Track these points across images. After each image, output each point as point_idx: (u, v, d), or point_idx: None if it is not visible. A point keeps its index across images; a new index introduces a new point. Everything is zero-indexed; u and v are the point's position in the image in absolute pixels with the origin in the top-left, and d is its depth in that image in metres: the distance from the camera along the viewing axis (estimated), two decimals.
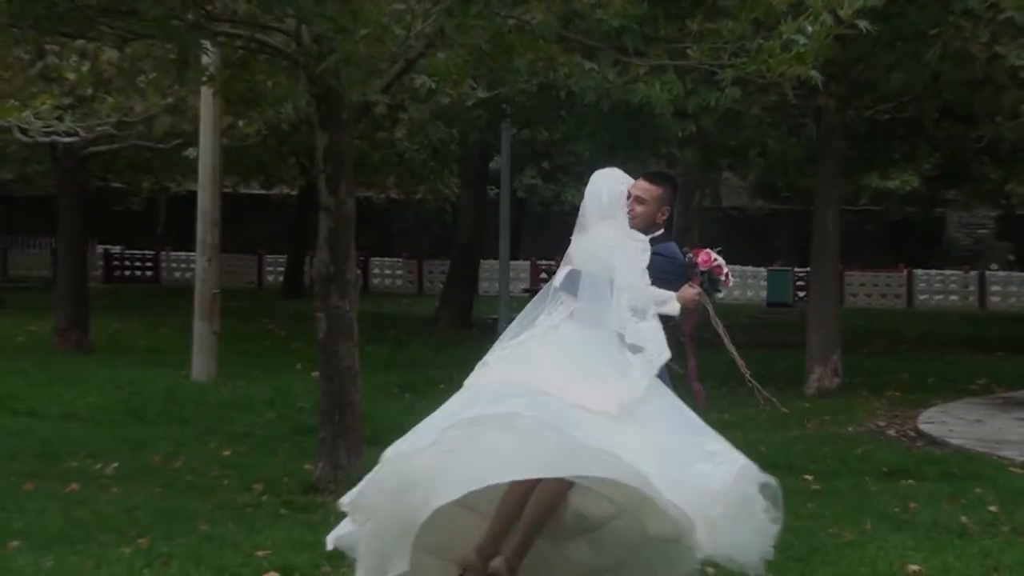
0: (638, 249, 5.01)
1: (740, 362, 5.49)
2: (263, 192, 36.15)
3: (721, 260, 5.45)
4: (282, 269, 32.99)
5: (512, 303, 21.40)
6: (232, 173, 26.98)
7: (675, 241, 5.62)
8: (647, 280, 4.94)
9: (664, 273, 5.18)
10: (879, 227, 38.60)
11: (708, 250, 5.45)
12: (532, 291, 31.69)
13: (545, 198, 37.95)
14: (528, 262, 34.31)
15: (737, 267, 32.54)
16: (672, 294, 5.21)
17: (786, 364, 16.17)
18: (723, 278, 5.44)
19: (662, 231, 5.52)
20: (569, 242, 5.21)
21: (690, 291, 5.33)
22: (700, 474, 4.35)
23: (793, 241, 39.09)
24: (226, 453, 9.29)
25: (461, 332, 21.29)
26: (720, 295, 5.44)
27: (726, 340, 5.42)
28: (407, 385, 13.40)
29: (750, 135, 15.49)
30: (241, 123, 15.32)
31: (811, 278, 14.53)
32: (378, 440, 10.11)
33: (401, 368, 14.94)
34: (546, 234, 41.98)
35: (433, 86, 7.91)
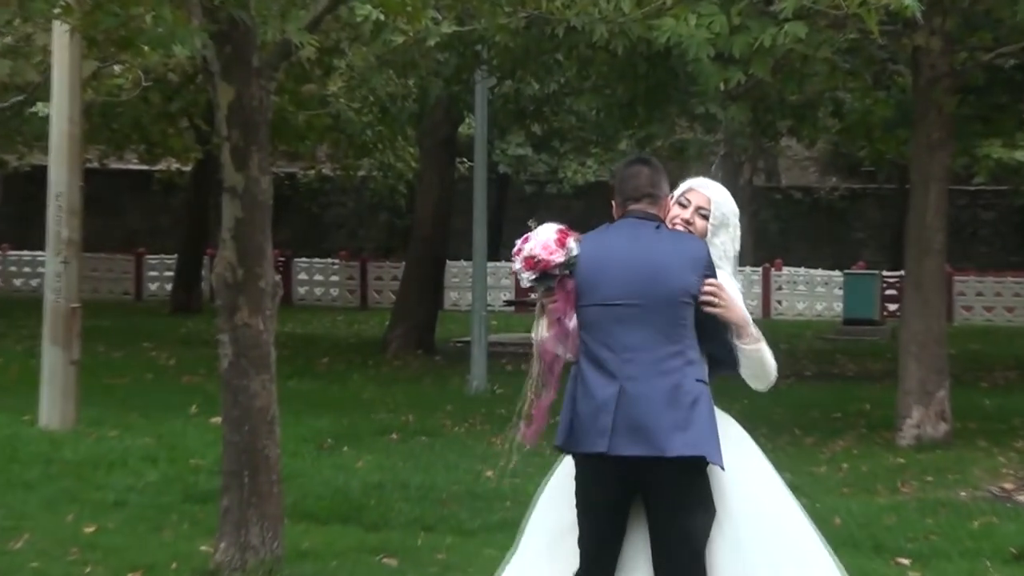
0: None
1: (529, 398, 5.85)
2: (143, 168, 36.10)
3: (526, 244, 5.81)
4: (170, 274, 32.98)
5: (490, 321, 21.52)
6: (98, 141, 26.98)
7: None
8: None
9: None
10: (1003, 214, 38.77)
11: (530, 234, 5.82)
12: (520, 303, 31.93)
13: (537, 174, 38.10)
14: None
15: (801, 270, 32.67)
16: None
17: (872, 404, 16.30)
18: (522, 266, 5.80)
19: None
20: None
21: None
22: None
23: (880, 234, 39.32)
24: (89, 530, 9.25)
25: (420, 360, 21.35)
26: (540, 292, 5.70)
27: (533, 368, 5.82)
28: (345, 435, 13.42)
29: (820, 88, 15.54)
30: (117, 70, 15.32)
31: (906, 285, 14.48)
32: (304, 511, 10.11)
33: (337, 411, 14.92)
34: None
35: (381, 18, 7.95)
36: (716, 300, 5.38)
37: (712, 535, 5.33)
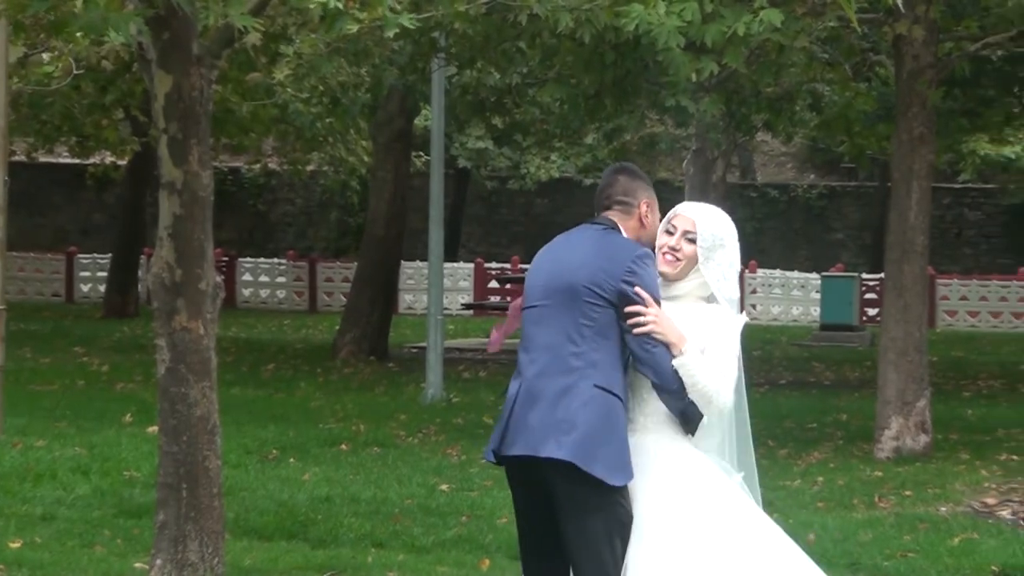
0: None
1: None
2: (75, 162, 35.91)
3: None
4: (104, 275, 32.84)
5: (447, 325, 21.43)
6: (26, 134, 26.84)
7: None
8: None
9: None
10: (990, 214, 39.00)
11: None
12: (478, 307, 31.94)
13: (498, 169, 38.11)
14: (472, 265, 34.45)
15: (777, 272, 32.82)
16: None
17: (849, 414, 16.43)
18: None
19: None
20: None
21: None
22: None
23: (860, 235, 39.46)
24: (14, 545, 9.24)
25: (372, 367, 21.34)
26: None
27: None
28: (291, 446, 13.41)
29: (797, 79, 15.60)
30: (46, 58, 15.30)
31: (886, 288, 14.54)
32: (247, 527, 10.05)
33: (283, 420, 14.91)
34: (499, 222, 42.07)
35: (339, 6, 7.95)
36: (642, 317, 5.50)
37: (633, 543, 5.49)
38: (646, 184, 5.81)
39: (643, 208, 5.76)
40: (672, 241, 5.71)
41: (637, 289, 5.54)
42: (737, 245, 5.78)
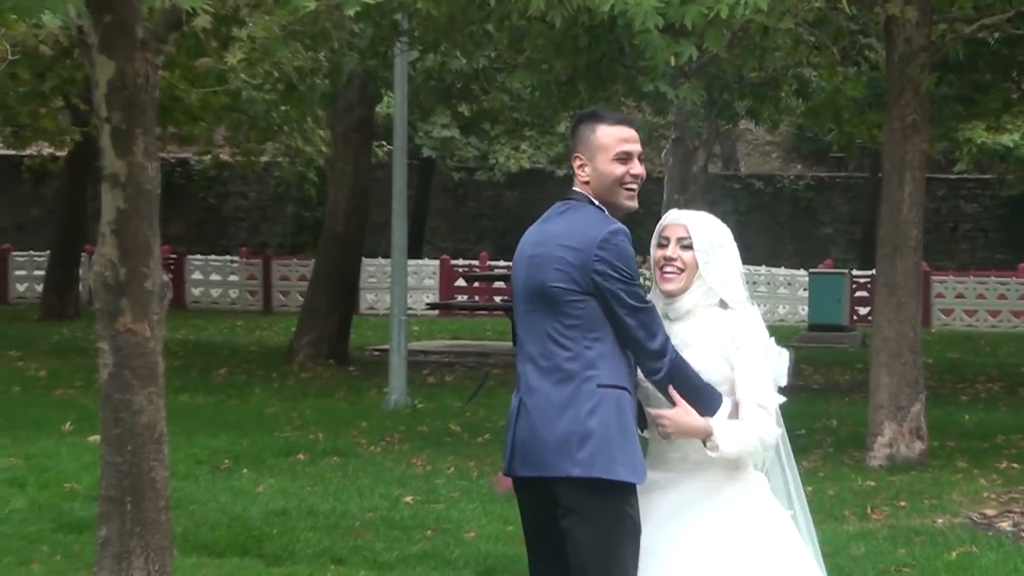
0: None
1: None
2: (10, 153, 35.87)
3: None
4: (41, 274, 32.74)
5: (411, 326, 21.38)
6: None
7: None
8: None
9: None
10: (987, 207, 39.15)
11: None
12: (444, 307, 31.92)
13: (465, 159, 38.08)
14: (437, 262, 34.46)
15: (762, 269, 32.90)
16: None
17: (839, 420, 16.47)
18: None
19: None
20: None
21: None
22: None
23: (850, 229, 39.58)
24: None
25: (331, 371, 21.32)
26: None
27: None
28: (244, 455, 13.39)
29: (782, 64, 15.60)
30: None
31: (878, 286, 14.52)
32: (197, 542, 9.98)
33: (235, 428, 14.89)
34: (466, 216, 42.04)
35: None
36: (666, 428, 5.52)
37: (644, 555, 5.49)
38: (583, 132, 5.73)
39: (575, 166, 5.74)
40: (668, 252, 5.70)
41: (670, 389, 5.53)
42: (735, 245, 5.79)
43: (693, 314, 5.70)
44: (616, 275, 5.48)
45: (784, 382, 5.74)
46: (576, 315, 5.50)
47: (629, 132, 5.70)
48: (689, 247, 5.69)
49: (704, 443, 5.51)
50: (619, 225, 5.57)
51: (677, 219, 5.76)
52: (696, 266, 5.67)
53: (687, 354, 5.56)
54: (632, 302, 5.48)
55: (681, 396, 5.49)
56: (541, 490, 5.55)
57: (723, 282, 5.69)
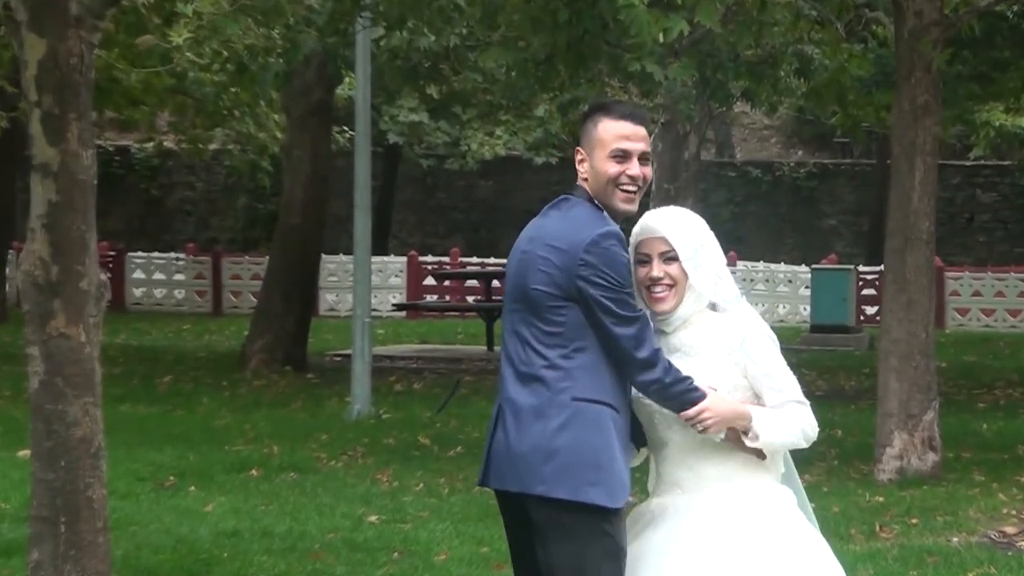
0: None
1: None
2: None
3: None
4: None
5: (376, 329, 21.38)
6: None
7: None
8: None
9: None
10: (1006, 196, 39.28)
11: None
12: (412, 307, 31.95)
13: (434, 146, 38.11)
14: (404, 259, 34.52)
15: (760, 266, 32.95)
16: None
17: (845, 430, 16.42)
18: None
19: None
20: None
21: None
22: None
23: (855, 220, 39.73)
24: None
25: (287, 379, 21.32)
26: None
27: None
28: (191, 471, 13.43)
29: (781, 40, 15.53)
30: None
31: (886, 283, 14.55)
32: (139, 566, 10.09)
33: (182, 442, 14.92)
34: (436, 208, 42.16)
35: None
36: (706, 423, 5.52)
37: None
38: (587, 124, 5.78)
39: (576, 160, 5.78)
40: (653, 271, 5.69)
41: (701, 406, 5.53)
42: (713, 235, 5.80)
43: (690, 322, 5.72)
44: (602, 282, 5.49)
45: None
46: (557, 322, 5.54)
47: (631, 129, 5.70)
48: (674, 259, 5.70)
49: (744, 434, 5.54)
50: (612, 228, 5.58)
51: (653, 230, 5.73)
52: (686, 276, 5.68)
53: (693, 364, 5.57)
54: (620, 311, 5.49)
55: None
56: (514, 504, 5.60)
57: (714, 283, 5.71)
